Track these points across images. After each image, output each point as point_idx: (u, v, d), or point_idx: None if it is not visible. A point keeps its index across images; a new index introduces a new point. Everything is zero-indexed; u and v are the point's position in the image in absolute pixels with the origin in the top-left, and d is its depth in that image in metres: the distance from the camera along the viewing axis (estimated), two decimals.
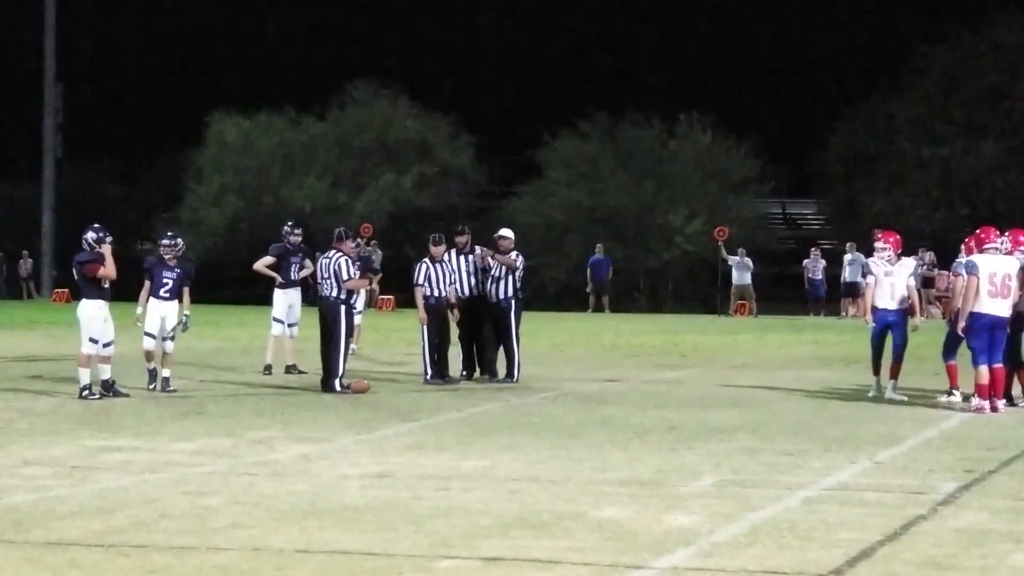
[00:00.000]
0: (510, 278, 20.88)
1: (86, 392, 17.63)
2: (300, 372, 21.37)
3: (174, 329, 18.92)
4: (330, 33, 67.92)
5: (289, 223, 23.31)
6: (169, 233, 19.57)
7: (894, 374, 18.35)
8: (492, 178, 58.36)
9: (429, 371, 20.29)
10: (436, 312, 20.39)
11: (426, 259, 20.65)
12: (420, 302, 20.40)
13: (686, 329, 34.17)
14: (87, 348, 17.77)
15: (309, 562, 8.81)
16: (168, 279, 18.82)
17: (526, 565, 8.72)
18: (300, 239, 22.68)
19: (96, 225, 18.28)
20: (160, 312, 18.80)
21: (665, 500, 10.88)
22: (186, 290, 18.99)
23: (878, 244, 18.75)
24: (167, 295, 18.83)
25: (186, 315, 19.04)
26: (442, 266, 20.59)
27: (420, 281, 20.46)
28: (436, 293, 20.42)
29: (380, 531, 9.65)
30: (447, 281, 20.60)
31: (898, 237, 18.93)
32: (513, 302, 20.82)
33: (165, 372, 18.78)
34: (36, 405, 17.16)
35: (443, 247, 20.69)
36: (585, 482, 11.70)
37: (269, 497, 10.91)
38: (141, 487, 11.37)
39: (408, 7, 68.71)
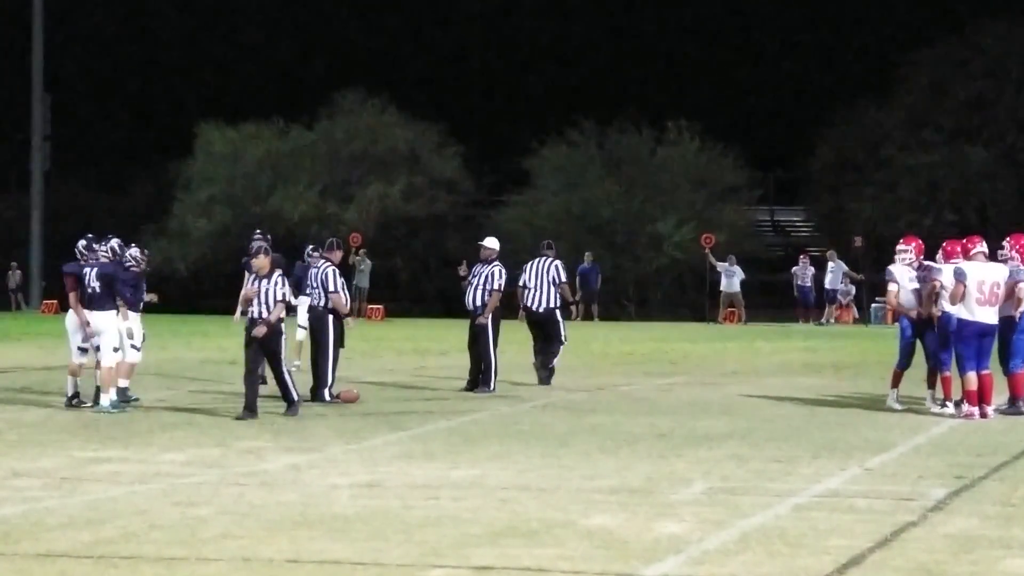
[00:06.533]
0: (486, 286, 20.82)
1: (109, 403, 17.36)
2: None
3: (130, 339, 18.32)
4: (318, 43, 67.94)
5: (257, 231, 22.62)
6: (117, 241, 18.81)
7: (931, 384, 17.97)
8: (480, 187, 58.37)
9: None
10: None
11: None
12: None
13: (675, 336, 34.17)
14: (116, 356, 17.65)
15: (299, 572, 8.80)
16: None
17: (516, 574, 8.72)
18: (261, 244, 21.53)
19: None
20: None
21: (655, 508, 10.88)
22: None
23: (900, 247, 18.13)
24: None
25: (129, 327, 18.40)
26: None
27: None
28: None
29: (370, 540, 9.64)
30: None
31: (920, 242, 18.29)
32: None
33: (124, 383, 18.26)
34: (25, 416, 17.09)
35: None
36: (575, 490, 11.70)
37: (259, 507, 10.89)
38: (130, 498, 11.35)
39: (395, 17, 68.75)
